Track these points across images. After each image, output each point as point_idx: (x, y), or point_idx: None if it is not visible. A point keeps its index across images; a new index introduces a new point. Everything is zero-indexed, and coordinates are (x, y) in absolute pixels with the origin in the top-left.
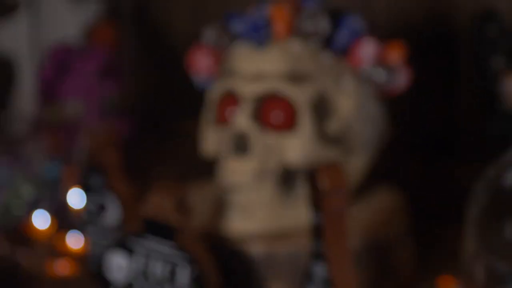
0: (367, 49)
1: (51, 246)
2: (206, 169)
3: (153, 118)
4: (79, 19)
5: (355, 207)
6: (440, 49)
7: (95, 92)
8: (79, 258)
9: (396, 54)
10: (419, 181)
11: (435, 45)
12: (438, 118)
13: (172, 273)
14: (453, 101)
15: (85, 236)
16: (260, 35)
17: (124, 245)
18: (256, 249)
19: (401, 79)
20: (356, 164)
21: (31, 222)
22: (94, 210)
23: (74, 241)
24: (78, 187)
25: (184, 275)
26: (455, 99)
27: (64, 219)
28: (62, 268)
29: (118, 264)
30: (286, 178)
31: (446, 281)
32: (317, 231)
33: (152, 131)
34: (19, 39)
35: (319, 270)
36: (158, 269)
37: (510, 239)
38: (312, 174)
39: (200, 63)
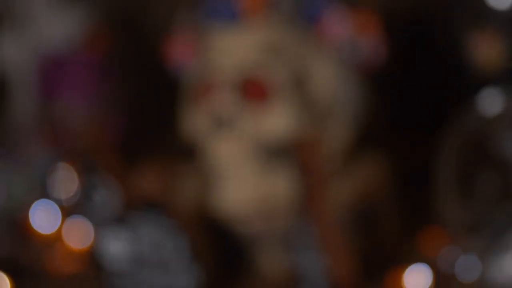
0: (340, 20)
1: (51, 240)
2: (192, 152)
3: (146, 114)
4: (71, 22)
5: (341, 176)
6: (418, 20)
7: (88, 90)
8: (80, 247)
9: (369, 24)
10: (405, 150)
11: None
12: (422, 89)
13: (164, 248)
14: (435, 72)
15: (82, 221)
16: (232, 14)
17: (117, 223)
18: (244, 222)
19: (375, 48)
20: (337, 134)
21: (30, 217)
22: (89, 195)
23: (75, 230)
24: (72, 174)
25: (176, 250)
26: (437, 70)
27: (63, 209)
28: (63, 258)
29: (112, 243)
30: (270, 151)
31: (428, 236)
32: (302, 199)
33: (144, 125)
34: (12, 43)
35: (307, 237)
36: (151, 244)
37: (482, 188)
38: (293, 145)
39: (176, 49)
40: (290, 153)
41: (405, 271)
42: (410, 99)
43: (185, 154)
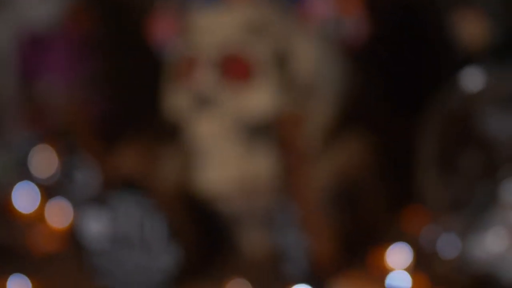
0: (322, 1)
1: (32, 220)
2: (174, 131)
3: (128, 93)
4: (52, 1)
5: (325, 153)
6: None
7: (70, 71)
8: (62, 228)
9: (352, 2)
10: (388, 129)
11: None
12: (405, 68)
13: (146, 227)
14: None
15: (62, 201)
16: None
17: (97, 204)
18: (226, 200)
19: (358, 27)
20: (319, 113)
21: (12, 197)
22: (69, 176)
23: (56, 211)
24: (53, 155)
25: (157, 229)
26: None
27: (44, 190)
28: (44, 239)
29: (92, 223)
30: (252, 131)
31: (410, 215)
32: (282, 176)
33: (126, 105)
34: None
35: (287, 213)
36: (132, 224)
37: (465, 163)
38: (273, 122)
39: (159, 27)
40: (272, 132)
41: (387, 249)
42: (394, 78)
43: (167, 133)
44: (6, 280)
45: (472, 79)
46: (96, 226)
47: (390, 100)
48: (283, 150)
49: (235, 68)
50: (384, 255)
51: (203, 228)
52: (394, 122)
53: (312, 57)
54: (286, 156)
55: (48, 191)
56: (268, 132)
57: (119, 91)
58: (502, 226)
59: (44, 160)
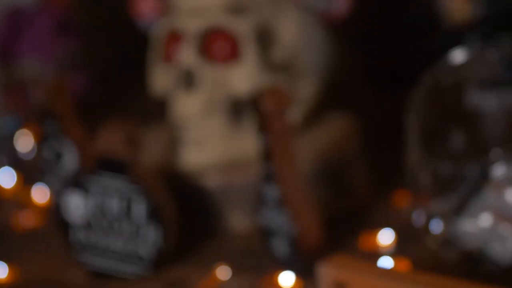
0: None
1: (16, 200)
2: (160, 112)
3: (109, 72)
4: None
5: (309, 131)
6: None
7: (51, 50)
8: (44, 210)
9: None
10: (373, 107)
11: None
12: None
13: (128, 208)
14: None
15: (45, 184)
16: None
17: (78, 184)
18: (210, 180)
19: (341, 4)
20: (305, 91)
21: None
22: (51, 157)
23: (39, 193)
24: (35, 136)
25: (139, 209)
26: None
27: (26, 172)
28: (28, 221)
29: (74, 204)
30: (235, 109)
31: (401, 196)
32: (266, 154)
33: (109, 84)
34: None
35: (271, 192)
36: (114, 205)
37: (452, 143)
38: (256, 99)
39: (143, 5)
40: (253, 103)
41: (373, 232)
42: (380, 55)
43: (151, 112)
44: None
45: (458, 57)
46: (78, 207)
47: (373, 76)
48: (266, 126)
49: (218, 44)
50: (370, 237)
51: (187, 209)
52: (378, 99)
53: (295, 33)
54: (269, 133)
55: (31, 172)
56: (252, 109)
57: (102, 70)
58: (489, 205)
59: (26, 141)
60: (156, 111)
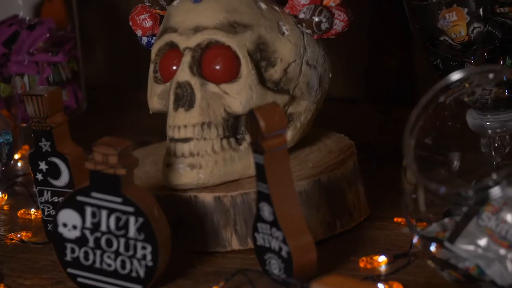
0: None
1: (8, 214)
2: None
3: (107, 89)
4: None
5: (304, 149)
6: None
7: (45, 65)
8: (38, 226)
9: None
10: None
11: None
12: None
13: (121, 225)
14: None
15: (39, 199)
16: None
17: (72, 201)
18: (206, 198)
19: (339, 22)
20: (302, 108)
21: None
22: (45, 173)
23: (32, 208)
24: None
25: (132, 227)
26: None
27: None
28: (21, 236)
29: (68, 220)
30: (232, 128)
31: (397, 217)
32: (261, 172)
33: (106, 101)
34: None
35: (266, 212)
36: (107, 221)
37: (449, 164)
38: (250, 116)
39: (142, 24)
40: (248, 120)
41: (369, 252)
42: (378, 72)
43: (147, 129)
44: None
45: (456, 75)
46: (71, 223)
47: (370, 93)
48: (261, 145)
49: (215, 63)
50: (366, 259)
51: (181, 227)
52: (377, 118)
53: (293, 50)
54: (263, 151)
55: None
56: (247, 127)
57: (98, 85)
58: (486, 226)
59: (21, 157)
60: (152, 128)
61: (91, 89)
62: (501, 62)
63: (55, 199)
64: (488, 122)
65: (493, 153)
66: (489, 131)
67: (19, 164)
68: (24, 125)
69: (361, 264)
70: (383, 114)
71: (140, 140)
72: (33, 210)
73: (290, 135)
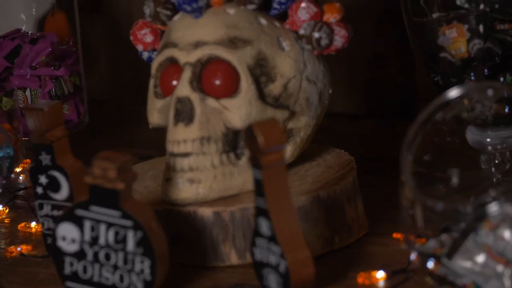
0: (304, 12)
1: (9, 227)
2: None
3: (110, 103)
4: (31, 9)
5: (304, 165)
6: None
7: (47, 79)
8: (38, 239)
9: (333, 15)
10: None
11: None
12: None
13: (119, 239)
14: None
15: (39, 213)
16: (197, 4)
17: (72, 214)
18: (205, 213)
19: (339, 38)
20: (302, 124)
21: None
22: (45, 187)
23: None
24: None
25: (130, 241)
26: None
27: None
28: (21, 249)
29: (67, 234)
30: (232, 143)
31: (396, 232)
32: (259, 187)
33: (109, 115)
34: None
35: (264, 226)
36: (108, 236)
37: (447, 180)
38: (249, 131)
39: (143, 39)
40: (246, 135)
41: (367, 268)
42: (380, 87)
43: (147, 143)
44: None
45: (455, 91)
46: (70, 237)
47: (372, 108)
48: (259, 160)
49: (215, 78)
50: (365, 275)
51: (180, 241)
52: (377, 133)
53: (293, 66)
54: (262, 166)
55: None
56: (246, 141)
57: (100, 100)
58: (484, 243)
59: (21, 170)
60: (154, 142)
61: (94, 103)
62: (502, 78)
63: (55, 212)
64: (488, 138)
65: (493, 170)
66: (489, 147)
67: (20, 177)
68: (26, 138)
69: (359, 280)
70: (385, 128)
71: (142, 154)
72: (33, 224)
73: (289, 150)
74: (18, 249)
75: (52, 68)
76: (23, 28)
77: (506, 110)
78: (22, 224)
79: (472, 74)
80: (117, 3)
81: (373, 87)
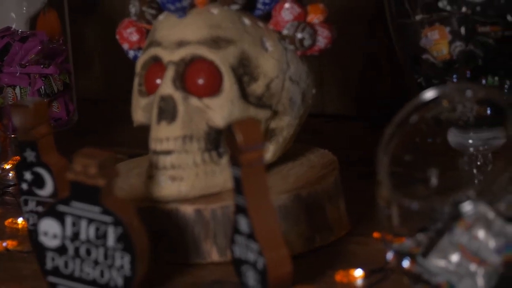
0: (287, 12)
1: None
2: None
3: (103, 102)
4: (21, 8)
5: (287, 164)
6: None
7: (36, 77)
8: (20, 235)
9: (316, 16)
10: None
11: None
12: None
13: (100, 235)
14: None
15: (24, 209)
16: (180, 4)
17: (54, 211)
18: (185, 210)
19: (322, 39)
20: (284, 124)
21: None
22: (29, 183)
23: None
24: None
25: (111, 237)
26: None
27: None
28: (3, 245)
29: (49, 230)
30: (214, 141)
31: (374, 232)
32: (238, 185)
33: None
34: None
35: (243, 224)
36: (89, 231)
37: (427, 182)
38: (229, 129)
39: (129, 38)
40: (226, 134)
41: (345, 267)
42: (371, 89)
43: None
44: None
45: (432, 92)
46: (52, 233)
47: (362, 110)
48: (238, 158)
49: (198, 77)
50: (343, 273)
51: (161, 238)
52: (358, 133)
53: (276, 66)
54: (241, 165)
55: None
56: (225, 140)
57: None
58: (458, 243)
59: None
60: (144, 141)
61: (88, 102)
62: (484, 81)
63: (40, 208)
64: (470, 140)
65: (475, 171)
66: (471, 149)
67: (10, 174)
68: (15, 136)
69: (337, 278)
70: (377, 129)
71: (131, 153)
72: (20, 220)
73: (272, 149)
74: (4, 244)
75: (41, 66)
76: (13, 27)
77: (488, 111)
78: (9, 220)
79: (454, 76)
80: (112, 3)
81: (366, 88)
